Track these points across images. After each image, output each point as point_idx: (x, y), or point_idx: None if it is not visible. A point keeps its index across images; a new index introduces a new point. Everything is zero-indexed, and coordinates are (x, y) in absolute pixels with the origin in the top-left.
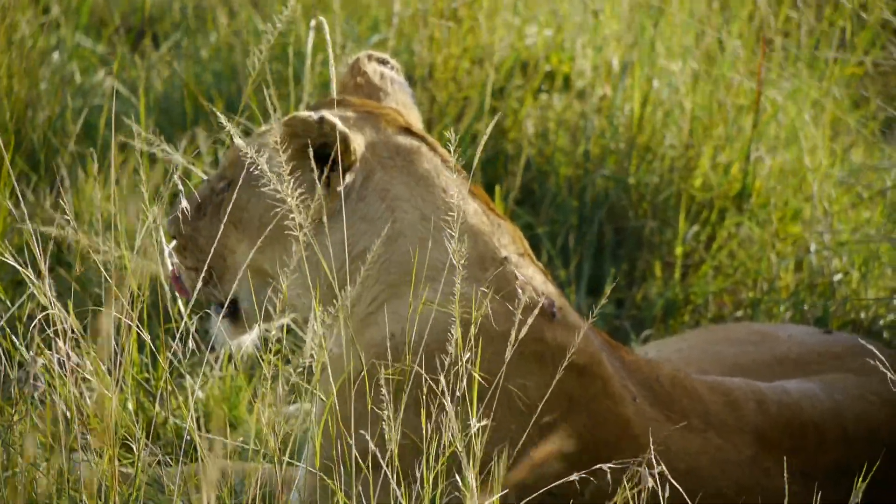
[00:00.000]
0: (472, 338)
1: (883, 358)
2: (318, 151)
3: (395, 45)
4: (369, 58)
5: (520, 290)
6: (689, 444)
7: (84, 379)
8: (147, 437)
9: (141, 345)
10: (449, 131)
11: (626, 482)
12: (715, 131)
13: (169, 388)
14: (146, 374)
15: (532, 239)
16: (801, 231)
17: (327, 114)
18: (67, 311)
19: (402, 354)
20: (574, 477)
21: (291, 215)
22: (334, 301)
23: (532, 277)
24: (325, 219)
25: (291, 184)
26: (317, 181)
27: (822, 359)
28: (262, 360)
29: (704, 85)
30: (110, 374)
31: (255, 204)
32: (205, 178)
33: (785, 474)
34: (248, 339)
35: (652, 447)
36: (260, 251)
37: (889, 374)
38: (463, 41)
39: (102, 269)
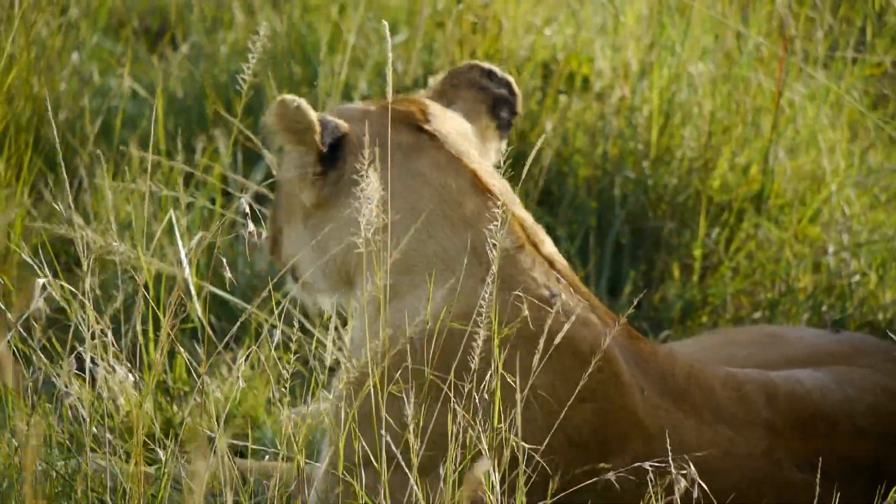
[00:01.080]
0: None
1: (889, 351)
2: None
3: (416, 46)
4: (470, 68)
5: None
6: (700, 437)
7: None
8: (167, 438)
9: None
10: None
11: (655, 480)
12: (734, 132)
13: (186, 388)
14: (164, 376)
15: (551, 240)
16: (820, 233)
17: (303, 103)
18: (84, 312)
19: (413, 352)
20: (611, 475)
21: (297, 198)
22: (343, 286)
23: (532, 268)
24: (308, 204)
25: (288, 162)
26: (309, 169)
27: (832, 359)
28: (280, 360)
29: (723, 86)
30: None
31: (282, 183)
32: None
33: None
34: (327, 301)
35: (667, 444)
36: (286, 233)
37: None
38: (483, 43)
39: (119, 270)
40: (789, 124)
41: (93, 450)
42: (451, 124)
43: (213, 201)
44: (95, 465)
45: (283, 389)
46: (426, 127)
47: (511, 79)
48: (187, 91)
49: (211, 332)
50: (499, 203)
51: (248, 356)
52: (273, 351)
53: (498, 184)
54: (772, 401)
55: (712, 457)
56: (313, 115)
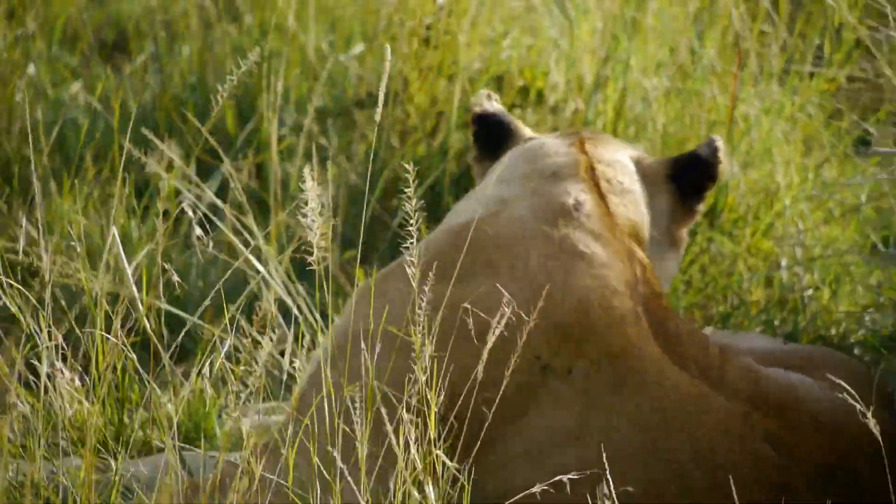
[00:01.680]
0: None
1: (841, 363)
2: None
3: (369, 59)
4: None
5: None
6: (681, 374)
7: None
8: (118, 447)
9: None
10: (409, 164)
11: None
12: (688, 146)
13: (137, 400)
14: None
15: None
16: (773, 247)
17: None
18: (39, 324)
19: (437, 234)
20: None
21: None
22: None
23: (575, 187)
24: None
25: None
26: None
27: (785, 368)
28: (232, 371)
29: (677, 100)
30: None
31: None
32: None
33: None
34: None
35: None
36: None
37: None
38: (438, 56)
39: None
40: (743, 138)
41: (45, 458)
42: (608, 137)
43: (167, 213)
44: (47, 472)
45: (235, 399)
46: (585, 135)
47: (722, 147)
48: (142, 102)
49: (160, 345)
50: (577, 151)
51: (200, 368)
52: (225, 362)
53: (600, 151)
54: (757, 379)
55: (689, 392)
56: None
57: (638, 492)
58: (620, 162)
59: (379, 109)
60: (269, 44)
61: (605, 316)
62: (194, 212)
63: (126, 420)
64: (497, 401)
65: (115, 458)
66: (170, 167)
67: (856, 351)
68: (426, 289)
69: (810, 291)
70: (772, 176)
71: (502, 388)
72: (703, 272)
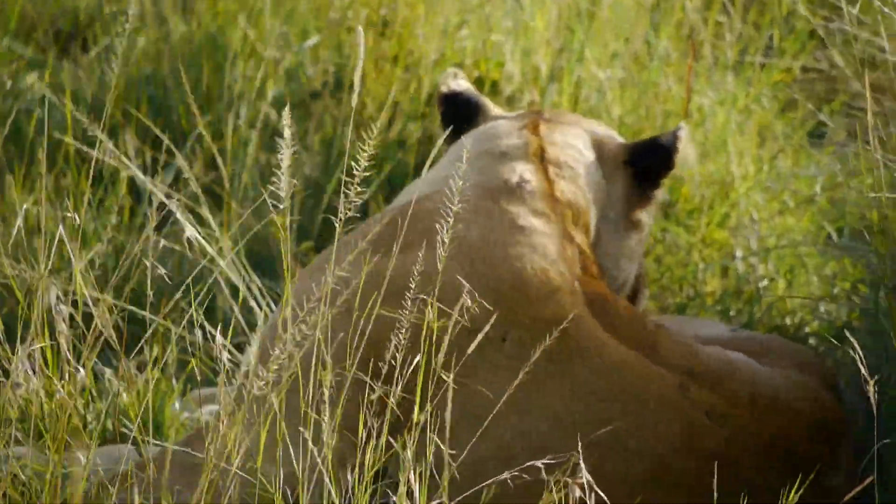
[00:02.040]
0: None
1: (792, 351)
2: None
3: (325, 51)
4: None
5: None
6: (619, 345)
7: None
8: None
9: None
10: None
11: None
12: (643, 137)
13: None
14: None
15: None
16: (728, 237)
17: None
18: None
19: (383, 214)
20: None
21: None
22: None
23: (523, 168)
24: None
25: None
26: None
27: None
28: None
29: (632, 91)
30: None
31: None
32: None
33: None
34: None
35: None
36: None
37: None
38: (393, 47)
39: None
40: (698, 129)
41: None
42: (571, 117)
43: (121, 207)
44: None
45: (187, 390)
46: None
47: (684, 136)
48: (97, 93)
49: (115, 339)
50: (531, 133)
51: (154, 361)
52: (176, 355)
53: (554, 135)
54: (694, 352)
55: (626, 360)
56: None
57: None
58: (575, 147)
59: (356, 94)
60: (224, 36)
61: (541, 286)
62: (150, 203)
63: (84, 412)
64: (435, 368)
65: (58, 451)
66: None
67: (810, 341)
68: (366, 261)
69: (765, 282)
70: (727, 167)
71: (441, 355)
72: (658, 263)
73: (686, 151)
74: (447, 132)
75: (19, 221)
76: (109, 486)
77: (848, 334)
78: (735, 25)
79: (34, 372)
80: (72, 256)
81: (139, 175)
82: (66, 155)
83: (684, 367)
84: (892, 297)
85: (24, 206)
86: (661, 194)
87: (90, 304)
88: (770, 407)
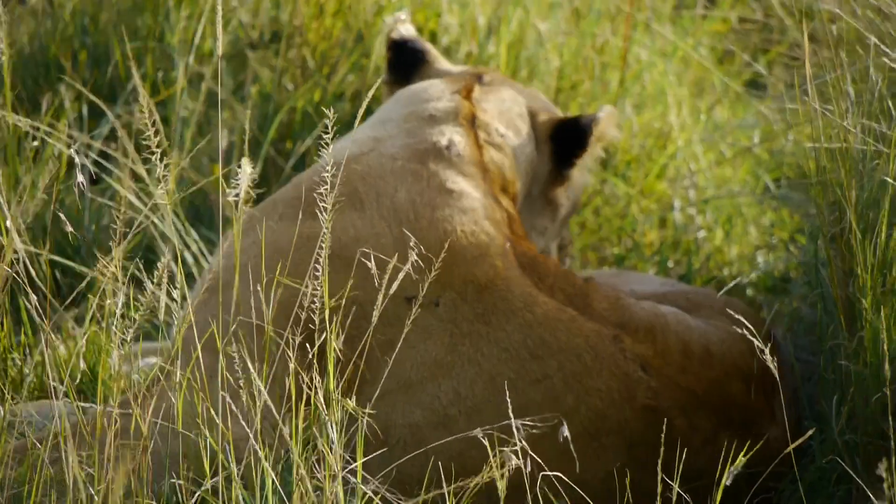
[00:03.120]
0: None
1: (724, 304)
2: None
3: (264, 3)
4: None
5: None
6: (546, 303)
7: None
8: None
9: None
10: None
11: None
12: (581, 88)
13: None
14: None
15: None
16: (666, 189)
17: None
18: None
19: (311, 170)
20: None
21: None
22: None
23: (451, 130)
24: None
25: None
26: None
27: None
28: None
29: (571, 41)
30: None
31: None
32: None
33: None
34: None
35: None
36: None
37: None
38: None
39: None
40: (636, 80)
41: None
42: (506, 83)
43: (59, 158)
44: None
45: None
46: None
47: (602, 118)
48: (33, 46)
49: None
50: (463, 97)
51: (93, 314)
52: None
53: (486, 101)
54: (626, 307)
55: (557, 318)
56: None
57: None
58: (509, 115)
59: None
60: None
61: (471, 247)
62: (84, 157)
63: (21, 365)
64: (368, 335)
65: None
66: (62, 112)
67: (748, 292)
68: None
69: (703, 233)
70: (664, 118)
71: (373, 321)
72: (596, 214)
73: (607, 133)
74: (383, 78)
75: None
76: (38, 444)
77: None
78: None
79: None
80: (4, 209)
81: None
82: (2, 106)
83: (617, 320)
84: (829, 248)
85: None
86: (578, 175)
87: (21, 256)
88: (703, 359)
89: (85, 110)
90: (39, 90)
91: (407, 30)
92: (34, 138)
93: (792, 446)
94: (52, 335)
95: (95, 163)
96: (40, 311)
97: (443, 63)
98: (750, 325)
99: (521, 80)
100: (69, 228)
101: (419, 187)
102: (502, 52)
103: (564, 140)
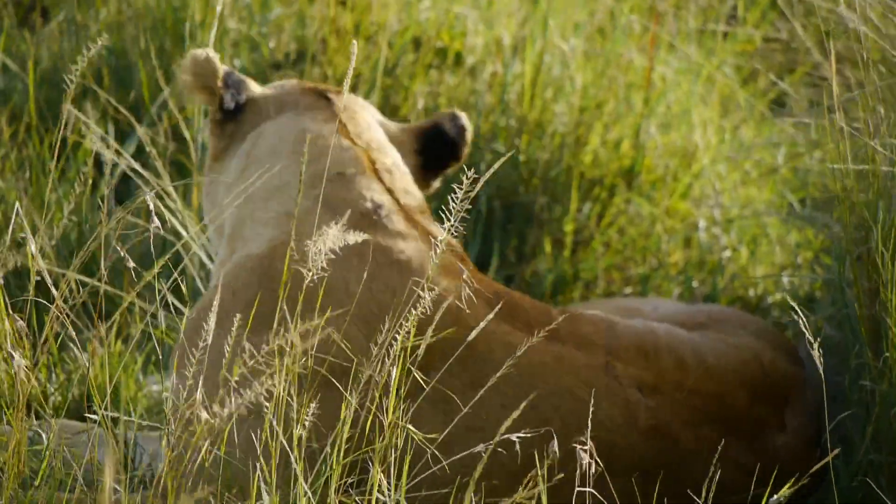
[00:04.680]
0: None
1: (745, 320)
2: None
3: (288, 22)
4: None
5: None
6: (531, 348)
7: None
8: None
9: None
10: None
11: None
12: (606, 108)
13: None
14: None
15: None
16: (691, 208)
17: (211, 52)
18: None
19: (245, 269)
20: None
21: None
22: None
23: (366, 188)
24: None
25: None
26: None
27: (687, 327)
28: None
29: (595, 61)
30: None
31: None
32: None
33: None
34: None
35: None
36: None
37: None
38: (356, 17)
39: None
40: (661, 100)
41: None
42: (361, 108)
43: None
44: None
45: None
46: (329, 96)
47: (468, 126)
48: (58, 65)
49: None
50: (355, 144)
51: (117, 331)
52: (143, 327)
53: (369, 138)
54: (612, 329)
55: (544, 362)
56: (219, 64)
57: (518, 467)
58: (381, 141)
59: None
60: (185, 6)
61: (442, 319)
62: (112, 174)
63: (46, 385)
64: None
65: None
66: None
67: (773, 312)
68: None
69: (728, 252)
70: (689, 137)
71: (368, 421)
72: (621, 233)
73: (469, 140)
74: (215, 117)
75: None
76: (73, 461)
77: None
78: None
79: None
80: (26, 231)
81: (109, 140)
82: (28, 126)
83: (605, 345)
84: (855, 267)
85: None
86: (438, 185)
87: (46, 278)
88: (699, 371)
89: (111, 130)
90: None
91: (216, 57)
92: (58, 158)
93: (816, 467)
94: (80, 355)
95: (122, 180)
96: (68, 330)
97: (255, 85)
98: (771, 341)
99: (545, 100)
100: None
101: (372, 273)
102: (527, 71)
103: (435, 152)
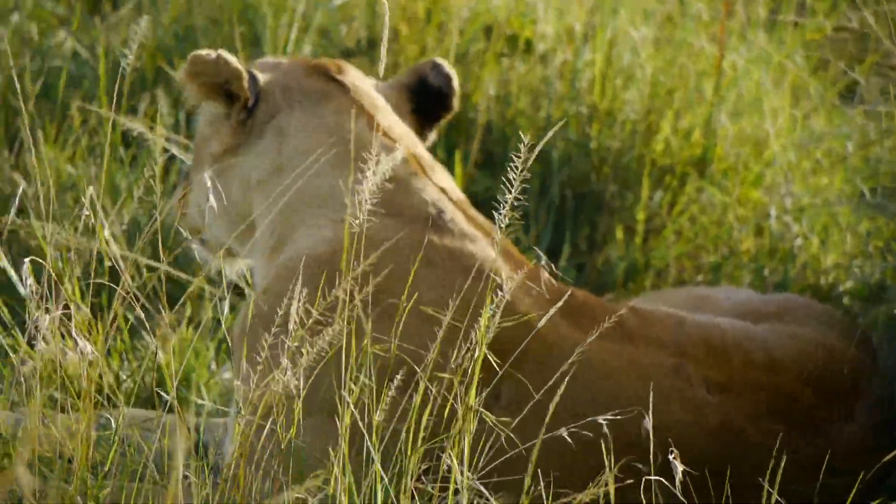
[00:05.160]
0: (354, 250)
1: (818, 310)
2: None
3: (359, 9)
4: (427, 62)
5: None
6: (603, 349)
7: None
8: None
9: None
10: None
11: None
12: (676, 96)
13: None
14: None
15: (492, 203)
16: (762, 196)
17: (224, 52)
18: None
19: (307, 264)
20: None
21: (207, 149)
22: (246, 234)
23: (423, 190)
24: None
25: (202, 120)
26: (229, 116)
27: (758, 316)
28: (222, 323)
29: (666, 49)
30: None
31: (195, 138)
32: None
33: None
34: (230, 269)
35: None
36: (194, 182)
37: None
38: (427, 5)
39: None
40: (732, 88)
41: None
42: (362, 81)
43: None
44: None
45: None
46: (337, 77)
47: (453, 74)
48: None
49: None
50: (395, 142)
51: (189, 319)
52: (213, 314)
53: (397, 128)
54: (681, 326)
55: (617, 367)
56: (239, 64)
57: (592, 475)
58: (405, 129)
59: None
60: None
61: (515, 328)
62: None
63: (119, 372)
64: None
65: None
66: (158, 119)
67: (844, 300)
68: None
69: (799, 241)
70: (760, 126)
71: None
72: (692, 222)
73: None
74: (239, 117)
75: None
76: (144, 446)
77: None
78: None
79: (68, 333)
80: (101, 217)
81: (176, 139)
82: (98, 112)
83: (674, 344)
84: None
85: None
86: (433, 136)
87: (117, 263)
88: (766, 366)
89: (182, 117)
90: (135, 97)
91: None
92: (128, 145)
93: (886, 458)
94: (152, 341)
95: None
96: (138, 315)
97: (258, 73)
98: (843, 331)
99: (615, 87)
100: (185, 238)
101: (444, 280)
102: (598, 60)
103: (428, 107)
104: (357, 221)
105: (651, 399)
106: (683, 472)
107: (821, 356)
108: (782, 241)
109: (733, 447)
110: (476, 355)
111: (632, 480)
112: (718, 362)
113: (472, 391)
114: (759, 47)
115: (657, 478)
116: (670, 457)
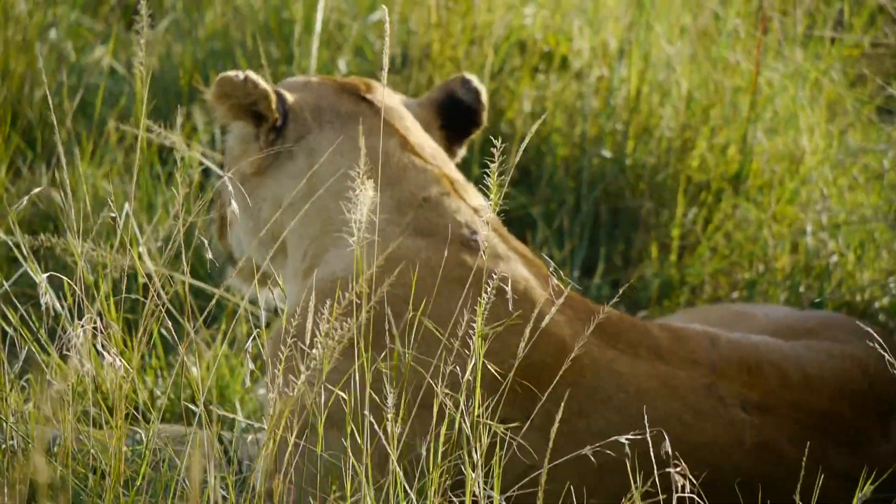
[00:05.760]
0: (378, 272)
1: (855, 328)
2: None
3: (393, 24)
4: (456, 77)
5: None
6: (636, 370)
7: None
8: (141, 414)
9: (130, 326)
10: None
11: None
12: (712, 112)
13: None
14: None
15: (527, 219)
16: (798, 213)
17: (251, 73)
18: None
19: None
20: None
21: (237, 169)
22: (277, 255)
23: (456, 211)
24: (248, 172)
25: (231, 139)
26: (258, 136)
27: (795, 333)
28: (257, 338)
29: (702, 65)
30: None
31: (225, 157)
32: (199, 156)
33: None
34: (264, 294)
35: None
36: (228, 204)
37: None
38: (461, 21)
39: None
40: (768, 104)
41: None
42: (391, 99)
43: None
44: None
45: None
46: (367, 96)
47: (482, 89)
48: (165, 68)
49: (173, 314)
50: (427, 161)
51: (224, 335)
52: (248, 329)
53: (428, 147)
54: (715, 344)
55: (650, 388)
56: (267, 86)
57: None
58: (437, 148)
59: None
60: (289, 9)
61: (548, 347)
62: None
63: (153, 388)
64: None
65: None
66: (194, 135)
67: (880, 317)
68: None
69: (835, 258)
70: (796, 142)
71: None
72: (728, 238)
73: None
74: (267, 139)
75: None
76: (177, 461)
77: None
78: None
79: (102, 348)
80: (136, 232)
81: (211, 155)
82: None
83: (708, 363)
84: None
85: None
86: (463, 151)
87: (150, 279)
88: (802, 384)
89: (217, 133)
90: (171, 112)
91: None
92: (164, 162)
93: None
94: (186, 358)
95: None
96: (171, 331)
97: (285, 92)
98: (873, 350)
99: (651, 104)
100: (208, 255)
101: (476, 301)
102: (633, 76)
103: (459, 124)
104: (381, 241)
105: (683, 418)
106: (719, 491)
107: (856, 373)
108: (818, 257)
109: (770, 466)
110: (509, 375)
111: (665, 496)
112: (754, 381)
113: (475, 404)
114: (796, 63)
115: (690, 495)
116: (674, 471)
